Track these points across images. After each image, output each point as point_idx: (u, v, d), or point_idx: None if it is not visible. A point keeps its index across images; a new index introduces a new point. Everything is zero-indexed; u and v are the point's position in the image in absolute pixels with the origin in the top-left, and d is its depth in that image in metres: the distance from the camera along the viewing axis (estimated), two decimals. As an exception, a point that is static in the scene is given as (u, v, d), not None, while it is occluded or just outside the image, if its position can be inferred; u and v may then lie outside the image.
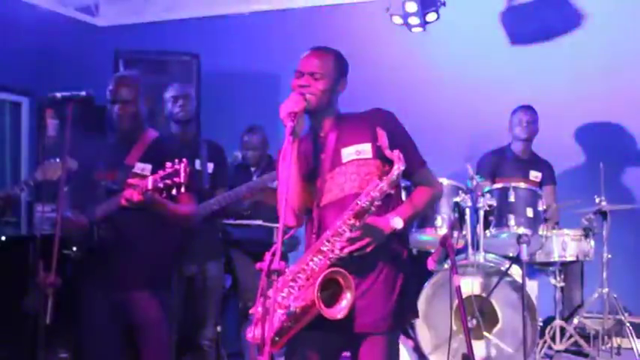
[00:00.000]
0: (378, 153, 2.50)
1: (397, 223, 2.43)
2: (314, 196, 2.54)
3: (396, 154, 2.40)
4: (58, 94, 3.02)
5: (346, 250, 2.40)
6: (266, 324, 2.22)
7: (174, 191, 2.87)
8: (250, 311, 2.50)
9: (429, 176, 2.65)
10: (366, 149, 2.53)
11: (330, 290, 2.37)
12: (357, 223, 2.38)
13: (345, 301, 2.38)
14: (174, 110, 4.02)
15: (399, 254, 2.57)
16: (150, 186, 2.90)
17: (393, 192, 2.47)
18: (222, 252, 4.30)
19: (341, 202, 2.50)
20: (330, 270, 2.37)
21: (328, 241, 2.41)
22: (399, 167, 2.40)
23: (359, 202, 2.39)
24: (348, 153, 2.53)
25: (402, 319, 2.59)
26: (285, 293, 2.43)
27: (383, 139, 2.45)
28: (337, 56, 2.61)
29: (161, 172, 2.88)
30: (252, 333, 2.43)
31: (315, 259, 2.42)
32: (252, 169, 4.70)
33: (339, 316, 2.38)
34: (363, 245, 2.41)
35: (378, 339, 2.49)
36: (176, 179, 2.85)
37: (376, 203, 2.39)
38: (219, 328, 4.10)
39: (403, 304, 2.55)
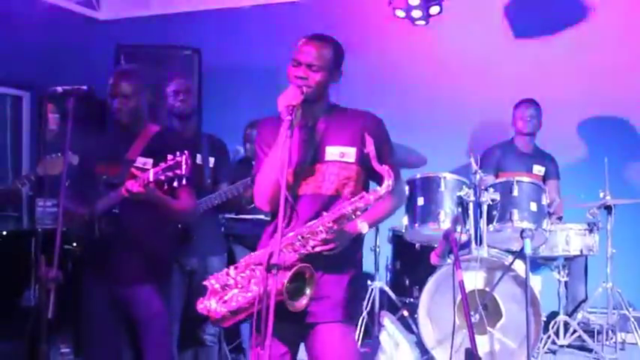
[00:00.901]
0: (361, 159, 2.52)
1: (363, 228, 2.49)
2: (288, 184, 2.50)
3: (385, 170, 2.42)
4: (59, 88, 3.01)
5: (317, 249, 2.44)
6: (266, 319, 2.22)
7: (175, 183, 2.86)
8: (204, 282, 2.55)
9: (400, 188, 2.69)
10: (350, 153, 2.54)
11: (294, 283, 2.41)
12: (335, 227, 2.42)
13: (305, 295, 2.43)
14: (175, 104, 4.00)
15: (354, 254, 2.61)
16: (151, 178, 2.89)
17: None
18: (224, 247, 4.28)
19: (315, 198, 2.52)
20: (301, 265, 2.41)
21: (302, 237, 2.44)
22: (388, 186, 2.42)
23: (342, 209, 2.42)
24: (332, 153, 2.55)
25: (354, 310, 2.63)
26: (245, 274, 2.48)
27: (371, 147, 2.44)
28: (336, 47, 2.59)
29: (162, 165, 2.88)
30: (202, 304, 2.51)
31: (284, 250, 2.43)
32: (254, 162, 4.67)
33: (300, 309, 2.42)
34: (333, 247, 2.45)
35: (333, 326, 2.52)
36: (177, 171, 2.85)
37: (358, 213, 2.43)
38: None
39: (351, 298, 2.57)
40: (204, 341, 4.06)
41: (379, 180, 2.46)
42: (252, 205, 4.32)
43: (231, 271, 2.52)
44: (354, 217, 2.43)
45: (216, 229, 4.20)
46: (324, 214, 2.44)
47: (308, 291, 2.43)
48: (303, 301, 2.43)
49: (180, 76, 4.23)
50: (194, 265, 3.94)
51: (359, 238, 2.58)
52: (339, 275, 2.54)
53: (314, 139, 2.56)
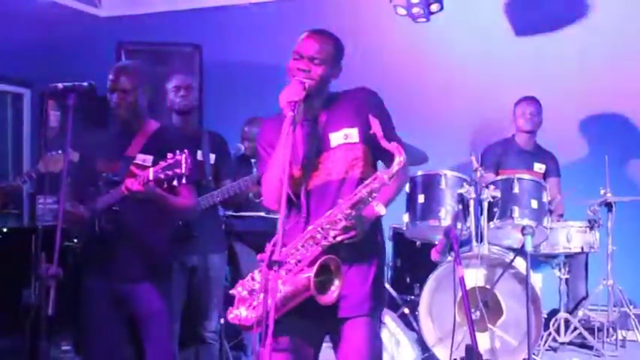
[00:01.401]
0: (365, 138, 2.49)
1: (381, 210, 2.43)
2: (299, 180, 2.51)
3: (394, 146, 2.39)
4: (60, 85, 3.00)
5: (339, 239, 2.40)
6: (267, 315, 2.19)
7: (175, 182, 2.85)
8: (231, 291, 2.51)
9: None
10: (353, 133, 2.52)
11: (321, 277, 2.38)
12: (353, 213, 2.38)
13: (334, 287, 2.40)
14: (176, 100, 3.99)
15: (375, 238, 2.59)
16: (151, 177, 2.88)
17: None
18: (225, 244, 4.27)
19: (326, 186, 2.50)
20: (326, 257, 2.38)
21: (322, 229, 2.40)
22: (400, 162, 2.39)
23: (358, 193, 2.39)
24: (336, 137, 2.52)
25: (380, 300, 2.60)
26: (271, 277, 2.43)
27: (377, 127, 2.42)
28: (336, 42, 2.59)
29: (162, 163, 2.87)
30: (232, 313, 2.46)
31: (305, 244, 2.41)
32: (253, 160, 4.67)
33: (331, 302, 2.39)
34: (355, 234, 2.41)
35: (361, 321, 2.50)
36: (177, 170, 2.83)
37: (374, 195, 2.39)
38: (222, 321, 4.09)
39: (380, 286, 2.58)
40: (205, 339, 4.05)
41: (386, 158, 2.44)
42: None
43: (256, 274, 2.47)
44: (370, 199, 2.39)
45: (216, 226, 4.20)
46: (340, 201, 2.41)
47: (337, 282, 2.40)
48: (333, 294, 2.39)
49: (181, 73, 4.23)
50: (195, 263, 3.94)
51: (377, 222, 2.55)
52: (366, 265, 2.52)
53: (317, 131, 2.55)
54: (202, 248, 3.93)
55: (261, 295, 2.35)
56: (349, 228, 2.39)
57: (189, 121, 4.06)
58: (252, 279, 2.47)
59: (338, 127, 2.53)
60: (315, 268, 2.33)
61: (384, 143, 2.40)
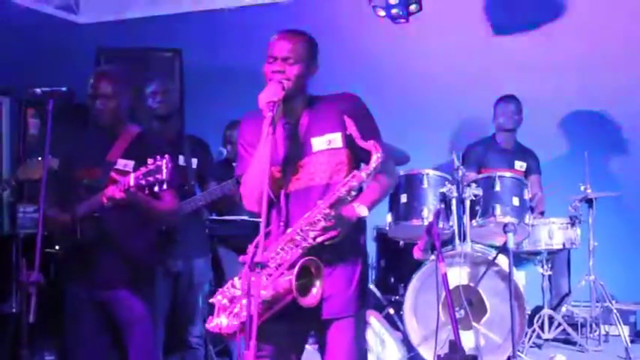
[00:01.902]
0: (348, 142, 2.49)
1: (362, 211, 2.43)
2: (280, 182, 2.50)
3: (372, 144, 2.39)
4: (38, 90, 3.00)
5: (319, 239, 2.38)
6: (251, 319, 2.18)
7: (156, 188, 2.84)
8: (210, 300, 2.49)
9: (390, 166, 2.66)
10: (336, 138, 2.51)
11: (302, 279, 2.36)
12: (332, 213, 2.37)
13: (316, 288, 2.39)
14: (153, 106, 3.99)
15: (358, 239, 2.58)
16: (132, 183, 2.86)
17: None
18: (209, 248, 4.27)
19: (309, 191, 2.48)
20: (306, 259, 2.36)
21: (302, 231, 2.39)
22: (377, 158, 2.39)
23: (336, 192, 2.39)
24: (319, 142, 2.51)
25: (365, 301, 2.59)
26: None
27: (352, 128, 2.42)
28: (308, 39, 2.57)
29: (143, 169, 2.85)
30: (213, 322, 2.42)
31: (285, 247, 2.40)
32: (235, 164, 4.66)
33: (313, 304, 2.38)
34: (335, 235, 2.39)
35: (347, 322, 2.50)
36: (158, 176, 2.81)
37: (353, 193, 2.40)
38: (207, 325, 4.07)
39: (364, 288, 2.57)
40: (190, 344, 4.03)
41: (367, 158, 2.44)
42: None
43: (236, 281, 2.44)
44: (349, 198, 2.39)
45: (200, 230, 4.19)
46: (320, 202, 2.40)
47: (318, 284, 2.38)
48: (315, 296, 2.38)
49: (159, 78, 4.22)
50: (179, 268, 3.93)
51: (360, 223, 2.53)
52: (350, 266, 2.51)
53: (298, 134, 2.54)
54: (186, 253, 3.92)
55: (244, 302, 2.31)
56: (329, 228, 2.38)
57: (168, 126, 4.04)
58: (233, 286, 2.44)
59: (320, 132, 2.52)
60: (295, 270, 2.32)
61: (361, 142, 2.41)
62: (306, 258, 2.37)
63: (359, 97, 2.61)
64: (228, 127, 4.75)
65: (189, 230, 3.89)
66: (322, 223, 2.38)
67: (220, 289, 2.48)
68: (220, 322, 2.41)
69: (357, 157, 2.53)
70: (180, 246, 3.82)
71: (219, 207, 4.32)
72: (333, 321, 2.50)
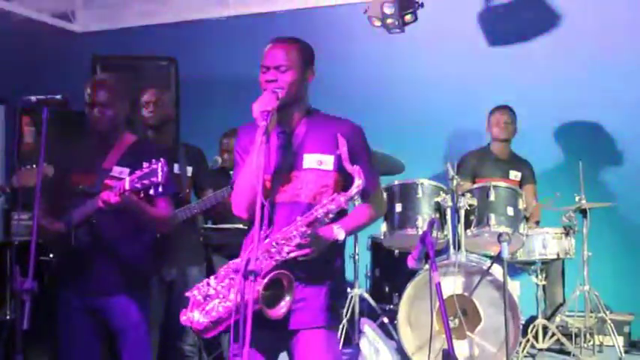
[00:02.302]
0: (339, 166, 2.49)
1: (339, 234, 2.47)
2: (268, 190, 2.50)
3: (356, 170, 2.40)
4: (33, 98, 2.99)
5: (292, 255, 2.40)
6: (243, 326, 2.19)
7: (151, 191, 2.84)
8: (186, 294, 2.54)
9: (378, 199, 2.70)
10: (328, 160, 2.52)
11: (271, 291, 2.39)
12: (309, 231, 2.40)
13: (284, 302, 2.41)
14: (145, 115, 4.00)
15: (332, 261, 2.58)
16: (127, 186, 2.87)
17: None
18: (204, 256, 4.26)
19: (293, 206, 2.49)
20: (278, 271, 2.39)
21: (277, 244, 2.41)
22: (358, 185, 2.40)
23: (314, 213, 2.41)
24: (310, 160, 2.52)
25: (336, 314, 2.60)
26: (225, 283, 2.46)
27: (343, 148, 2.43)
28: (301, 45, 2.57)
29: (138, 172, 2.85)
30: (186, 315, 2.50)
31: (260, 257, 2.40)
32: (231, 172, 4.66)
33: (278, 317, 2.40)
34: (309, 253, 2.41)
35: (315, 333, 2.50)
36: (153, 179, 2.82)
37: (330, 216, 2.42)
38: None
39: (334, 303, 2.56)
40: (184, 352, 4.03)
41: (350, 182, 2.44)
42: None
43: (212, 280, 2.50)
44: (326, 220, 2.42)
45: (194, 238, 4.19)
46: (298, 219, 2.42)
47: (287, 298, 2.41)
48: (281, 310, 2.40)
49: (152, 87, 4.22)
50: (174, 276, 3.92)
51: (337, 246, 2.54)
52: (318, 284, 2.51)
53: (292, 145, 2.54)
54: (180, 260, 3.92)
55: (216, 301, 2.44)
56: (303, 245, 2.40)
57: (162, 135, 4.05)
58: (208, 284, 2.50)
59: (313, 150, 2.53)
60: (264, 281, 2.34)
61: (347, 165, 2.42)
62: (278, 271, 2.39)
63: (361, 128, 2.61)
64: (224, 136, 4.76)
65: (184, 238, 3.89)
66: (297, 240, 2.40)
67: (197, 285, 2.53)
68: (192, 316, 2.49)
69: (345, 182, 2.51)
70: (175, 254, 3.82)
71: (214, 215, 4.32)
72: (300, 331, 2.50)
